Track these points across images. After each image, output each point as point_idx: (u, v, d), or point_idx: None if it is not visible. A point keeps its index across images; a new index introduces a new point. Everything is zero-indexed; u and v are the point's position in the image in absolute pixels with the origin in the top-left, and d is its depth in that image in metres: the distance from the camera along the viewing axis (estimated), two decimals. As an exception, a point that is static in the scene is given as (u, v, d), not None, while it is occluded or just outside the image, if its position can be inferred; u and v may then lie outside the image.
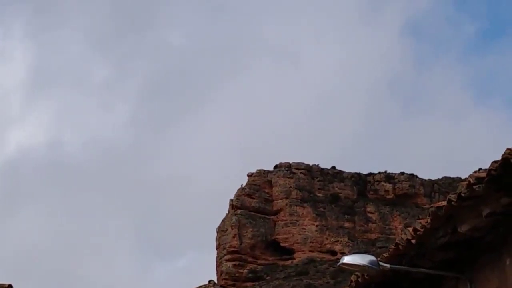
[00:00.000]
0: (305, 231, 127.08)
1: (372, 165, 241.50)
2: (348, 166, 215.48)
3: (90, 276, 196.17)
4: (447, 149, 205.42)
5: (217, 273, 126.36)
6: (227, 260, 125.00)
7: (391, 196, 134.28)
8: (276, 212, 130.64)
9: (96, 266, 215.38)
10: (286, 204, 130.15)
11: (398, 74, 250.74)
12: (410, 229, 9.87)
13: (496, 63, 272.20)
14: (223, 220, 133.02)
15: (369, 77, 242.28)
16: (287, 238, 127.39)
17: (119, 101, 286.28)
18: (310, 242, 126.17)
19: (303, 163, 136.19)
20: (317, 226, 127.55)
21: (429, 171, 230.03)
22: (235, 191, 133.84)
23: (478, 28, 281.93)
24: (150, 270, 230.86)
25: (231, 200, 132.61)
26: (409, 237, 9.80)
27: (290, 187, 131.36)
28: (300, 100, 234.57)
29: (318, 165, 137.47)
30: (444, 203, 8.85)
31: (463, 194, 8.37)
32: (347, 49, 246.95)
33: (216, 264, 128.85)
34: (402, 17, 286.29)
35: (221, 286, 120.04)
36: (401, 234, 10.24)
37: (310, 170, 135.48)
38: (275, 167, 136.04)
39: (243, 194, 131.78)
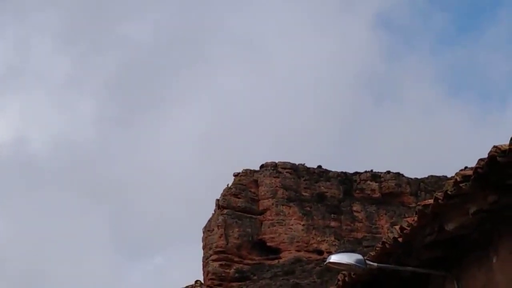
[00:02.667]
0: (291, 231, 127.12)
1: (358, 164, 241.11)
2: (334, 165, 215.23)
3: (60, 277, 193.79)
4: (418, 144, 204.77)
5: (203, 273, 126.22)
6: (213, 260, 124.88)
7: (377, 195, 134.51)
8: (263, 212, 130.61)
9: (66, 266, 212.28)
10: (272, 204, 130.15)
11: (371, 68, 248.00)
12: (397, 227, 9.86)
13: (468, 55, 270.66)
14: (209, 220, 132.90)
15: (341, 71, 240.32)
16: (273, 237, 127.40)
17: (83, 97, 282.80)
18: (297, 242, 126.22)
19: (289, 163, 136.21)
20: (303, 225, 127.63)
21: (415, 170, 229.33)
22: (220, 190, 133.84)
23: (450, 20, 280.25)
24: (126, 270, 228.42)
25: (217, 200, 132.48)
26: (396, 236, 9.80)
27: (276, 186, 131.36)
28: (270, 95, 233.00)
29: (304, 164, 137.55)
30: (431, 201, 8.84)
31: (449, 192, 8.37)
32: (318, 43, 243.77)
33: (203, 264, 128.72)
34: (373, 9, 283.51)
35: (207, 286, 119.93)
36: (388, 233, 10.22)
37: (296, 170, 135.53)
38: (261, 166, 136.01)
39: (229, 194, 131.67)
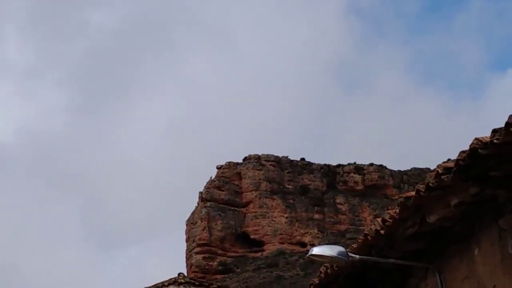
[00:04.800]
0: (274, 223, 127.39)
1: (342, 157, 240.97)
2: (318, 157, 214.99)
3: (32, 270, 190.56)
4: (391, 134, 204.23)
5: (187, 266, 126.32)
6: (196, 253, 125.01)
7: (360, 187, 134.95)
8: (246, 204, 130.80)
9: (38, 259, 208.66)
10: (256, 196, 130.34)
11: (342, 56, 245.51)
12: (379, 219, 9.86)
13: (438, 43, 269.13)
14: (192, 213, 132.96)
15: (312, 58, 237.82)
16: (256, 230, 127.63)
17: (48, 86, 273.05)
18: (280, 234, 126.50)
19: (272, 155, 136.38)
20: (286, 218, 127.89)
21: (398, 162, 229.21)
22: (203, 183, 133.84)
23: (421, 7, 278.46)
24: (102, 262, 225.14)
25: (201, 192, 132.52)
26: (378, 228, 9.80)
27: (260, 179, 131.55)
28: (239, 83, 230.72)
29: (287, 157, 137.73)
30: (413, 193, 8.85)
31: (431, 184, 8.37)
32: (288, 30, 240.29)
33: (186, 257, 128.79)
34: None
35: (190, 279, 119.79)
36: (370, 225, 10.23)
37: (280, 162, 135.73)
38: (244, 159, 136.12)
39: (212, 186, 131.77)
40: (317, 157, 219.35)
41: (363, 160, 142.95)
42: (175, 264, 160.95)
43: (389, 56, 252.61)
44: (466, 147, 7.80)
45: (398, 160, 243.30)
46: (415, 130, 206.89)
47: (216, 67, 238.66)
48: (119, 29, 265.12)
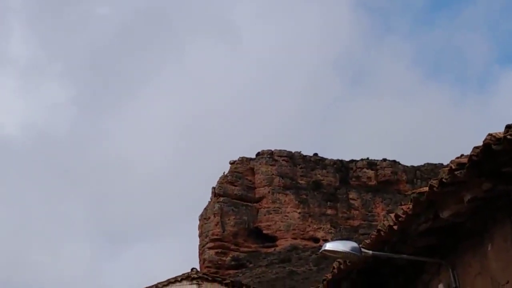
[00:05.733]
0: (287, 219, 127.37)
1: (355, 152, 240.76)
2: (331, 153, 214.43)
3: (39, 266, 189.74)
4: (400, 128, 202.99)
5: (199, 261, 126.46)
6: (209, 248, 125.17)
7: (373, 182, 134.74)
8: (259, 200, 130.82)
9: (43, 254, 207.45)
10: (269, 192, 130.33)
11: (349, 49, 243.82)
12: (392, 215, 9.87)
13: (445, 36, 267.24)
14: (205, 208, 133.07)
15: (320, 52, 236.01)
16: (269, 225, 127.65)
17: (52, 80, 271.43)
18: (293, 230, 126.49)
19: (285, 151, 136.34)
20: (299, 213, 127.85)
21: (411, 158, 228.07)
22: (216, 178, 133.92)
23: (427, 0, 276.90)
24: (110, 257, 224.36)
25: (214, 187, 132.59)
26: (391, 224, 9.80)
27: (273, 174, 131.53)
28: (246, 77, 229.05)
29: (300, 152, 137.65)
30: (426, 189, 8.85)
31: (444, 180, 8.38)
32: (297, 25, 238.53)
33: (199, 252, 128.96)
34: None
35: (203, 274, 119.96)
36: (383, 220, 10.23)
37: (292, 157, 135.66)
38: (257, 154, 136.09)
39: (226, 181, 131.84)
40: (330, 153, 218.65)
41: (376, 155, 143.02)
42: (185, 259, 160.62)
43: (395, 50, 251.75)
44: (479, 143, 7.80)
45: (411, 155, 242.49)
46: (425, 125, 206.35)
47: (223, 61, 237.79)
48: (124, 22, 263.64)
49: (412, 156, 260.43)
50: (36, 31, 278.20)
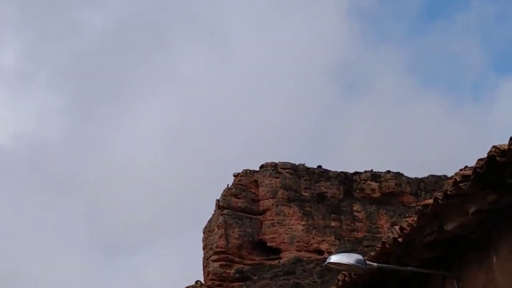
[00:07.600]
0: (291, 231, 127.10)
1: (358, 164, 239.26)
2: (334, 165, 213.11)
3: (33, 277, 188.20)
4: (392, 137, 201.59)
5: (204, 274, 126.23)
6: (213, 261, 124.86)
7: (377, 194, 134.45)
8: (263, 212, 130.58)
9: (38, 265, 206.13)
10: (273, 204, 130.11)
11: (342, 57, 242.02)
12: (397, 227, 9.87)
13: (439, 43, 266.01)
14: (209, 221, 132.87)
15: (313, 60, 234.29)
16: (273, 237, 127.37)
17: (42, 89, 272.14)
18: (297, 242, 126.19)
19: (289, 163, 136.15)
20: (303, 225, 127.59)
21: (415, 170, 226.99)
22: (220, 191, 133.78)
23: (421, 7, 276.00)
24: (106, 268, 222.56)
25: (218, 200, 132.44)
26: (396, 236, 9.81)
27: (277, 186, 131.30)
28: (238, 85, 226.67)
29: (304, 164, 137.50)
30: (431, 201, 8.86)
31: (449, 192, 8.39)
32: (289, 31, 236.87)
33: (203, 265, 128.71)
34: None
35: (208, 286, 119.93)
36: (388, 232, 10.23)
37: (296, 170, 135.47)
38: (261, 167, 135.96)
39: (230, 194, 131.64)
40: (334, 165, 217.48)
41: (379, 167, 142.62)
42: (189, 271, 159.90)
43: (389, 58, 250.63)
44: (477, 153, 7.82)
45: (415, 167, 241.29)
46: (423, 134, 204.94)
47: (213, 68, 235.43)
48: (113, 29, 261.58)
49: (416, 168, 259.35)
50: (25, 40, 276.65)
